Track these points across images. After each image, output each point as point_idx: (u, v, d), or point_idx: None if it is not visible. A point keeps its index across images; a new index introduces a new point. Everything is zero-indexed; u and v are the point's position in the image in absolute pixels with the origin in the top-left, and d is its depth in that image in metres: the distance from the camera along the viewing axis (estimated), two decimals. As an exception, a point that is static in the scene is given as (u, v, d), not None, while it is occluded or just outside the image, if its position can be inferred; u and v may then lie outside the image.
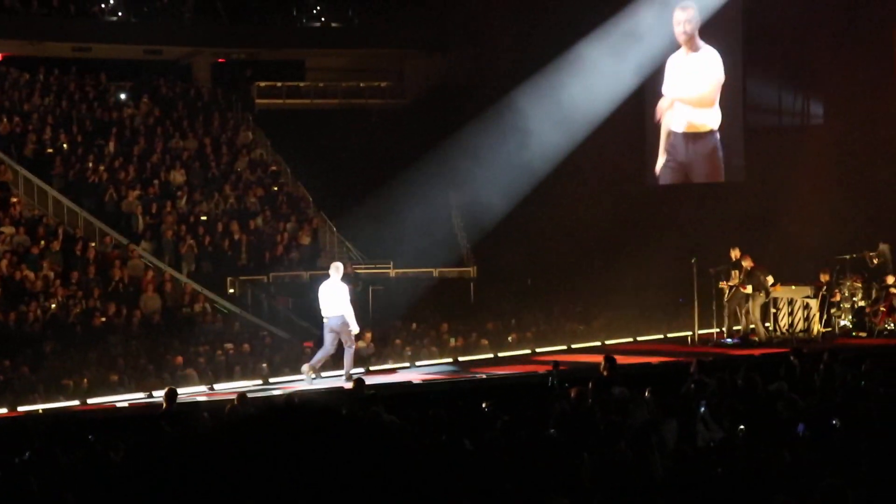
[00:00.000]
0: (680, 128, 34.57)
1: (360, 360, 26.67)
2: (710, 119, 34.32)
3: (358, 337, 26.89)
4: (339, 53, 42.89)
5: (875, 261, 27.33)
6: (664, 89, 34.56)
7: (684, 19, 33.86)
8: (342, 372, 22.30)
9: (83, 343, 26.60)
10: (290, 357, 26.96)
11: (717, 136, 34.18)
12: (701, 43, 33.88)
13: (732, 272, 26.02)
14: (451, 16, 39.75)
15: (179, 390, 18.88)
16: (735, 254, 26.05)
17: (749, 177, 34.53)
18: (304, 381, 22.10)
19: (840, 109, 33.54)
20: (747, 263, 25.78)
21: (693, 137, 34.51)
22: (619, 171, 35.35)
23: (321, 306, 22.37)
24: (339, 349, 22.46)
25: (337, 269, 22.53)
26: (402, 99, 42.65)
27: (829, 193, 31.61)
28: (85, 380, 24.15)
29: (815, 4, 33.13)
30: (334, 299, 22.15)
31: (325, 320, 22.32)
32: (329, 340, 22.22)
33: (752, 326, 26.06)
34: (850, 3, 32.84)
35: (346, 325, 22.03)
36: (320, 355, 22.33)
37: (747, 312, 25.94)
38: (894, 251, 27.77)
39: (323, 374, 22.68)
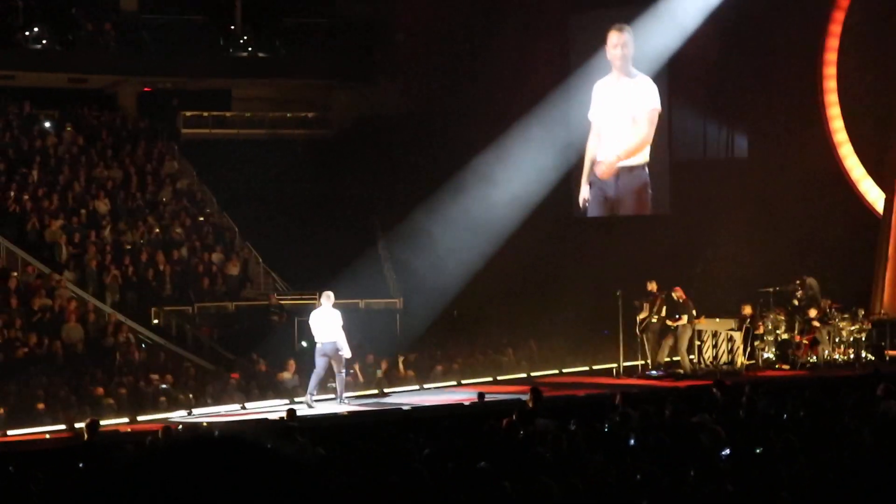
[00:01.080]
0: (608, 158, 34.41)
1: (284, 390, 26.57)
2: (641, 153, 34.14)
3: (282, 367, 26.90)
4: (265, 83, 42.79)
5: (799, 293, 27.60)
6: (591, 115, 34.25)
7: (620, 42, 33.28)
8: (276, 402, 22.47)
9: (3, 374, 26.27)
10: (216, 388, 26.78)
11: (647, 170, 34.09)
12: (635, 70, 33.64)
13: (645, 304, 26.29)
14: (379, 48, 39.87)
15: (102, 421, 18.70)
16: (651, 286, 26.34)
17: (674, 209, 34.73)
18: (305, 405, 22.71)
19: (764, 143, 33.91)
20: (678, 295, 26.02)
21: (623, 171, 34.34)
22: (547, 202, 35.35)
23: (314, 332, 23.34)
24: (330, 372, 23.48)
25: (328, 297, 23.52)
26: (328, 129, 42.62)
27: (753, 226, 31.92)
28: (2, 410, 23.81)
29: (737, 39, 33.51)
30: (328, 325, 23.14)
31: (318, 345, 23.25)
32: (320, 365, 23.16)
33: (677, 358, 26.27)
34: (771, 43, 33.09)
35: (338, 350, 23.03)
36: (314, 381, 23.27)
37: (672, 344, 26.18)
38: (821, 285, 28.14)
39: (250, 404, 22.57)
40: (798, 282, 27.99)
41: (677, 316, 25.94)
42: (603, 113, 34.27)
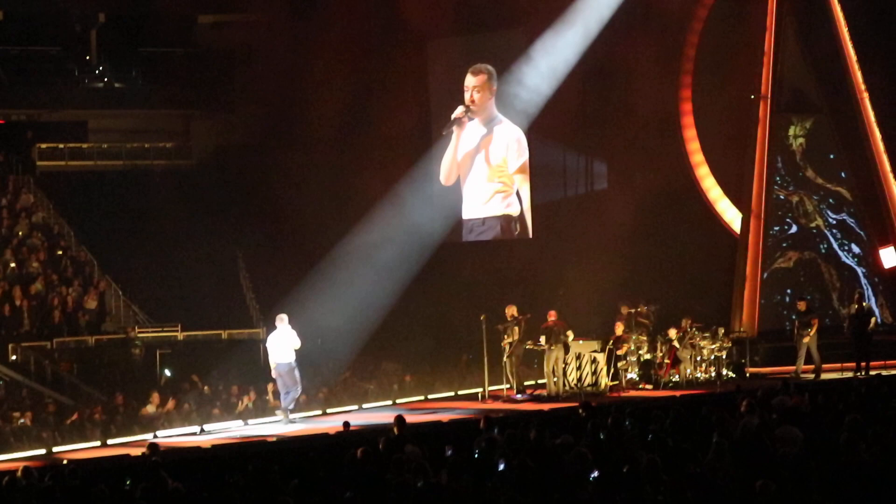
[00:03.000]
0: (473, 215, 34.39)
1: (148, 422, 26.22)
2: (507, 201, 33.87)
3: (146, 401, 26.60)
4: (122, 114, 42.23)
5: (641, 320, 27.87)
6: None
7: (473, 85, 32.99)
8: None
9: None
10: (75, 425, 26.34)
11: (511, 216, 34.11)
12: (498, 115, 33.40)
13: (513, 328, 26.44)
14: (236, 76, 39.61)
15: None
16: (511, 311, 26.53)
17: (536, 235, 34.80)
18: (281, 422, 24.35)
19: (624, 170, 34.25)
20: (551, 319, 26.30)
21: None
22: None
23: (270, 354, 24.74)
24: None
25: (282, 319, 24.79)
26: (188, 160, 42.20)
27: (612, 251, 32.17)
28: None
29: (598, 71, 33.81)
30: (283, 346, 24.54)
31: (273, 366, 24.66)
32: (280, 384, 24.73)
33: (542, 381, 26.44)
34: (630, 71, 33.29)
35: (292, 370, 24.48)
36: (284, 398, 24.75)
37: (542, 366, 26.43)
38: (682, 303, 28.57)
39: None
40: (642, 307, 28.42)
41: (544, 341, 26.18)
42: (470, 160, 33.89)
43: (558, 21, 33.54)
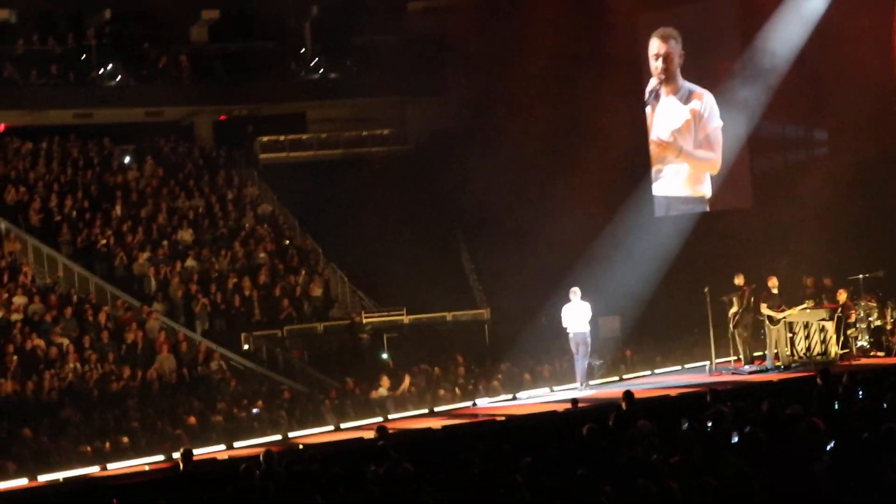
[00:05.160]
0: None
1: (379, 407, 26.67)
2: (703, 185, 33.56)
3: (376, 385, 27.20)
4: (339, 104, 42.96)
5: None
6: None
7: (664, 52, 32.63)
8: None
9: (101, 408, 26.53)
10: (308, 410, 26.92)
11: (707, 206, 33.66)
12: (685, 83, 32.91)
13: (734, 299, 26.06)
14: (447, 60, 39.81)
15: (200, 450, 18.81)
16: (739, 280, 26.08)
17: (756, 204, 34.07)
18: (581, 388, 25.68)
19: (841, 136, 33.32)
20: (772, 284, 25.83)
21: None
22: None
23: (567, 324, 25.87)
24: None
25: (575, 292, 25.90)
26: (404, 145, 42.71)
27: (835, 216, 31.41)
28: (107, 444, 24.01)
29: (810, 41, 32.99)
30: (579, 317, 25.75)
31: (570, 335, 25.85)
32: (576, 351, 25.87)
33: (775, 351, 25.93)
34: (848, 48, 32.32)
35: (587, 338, 25.72)
36: (578, 368, 25.99)
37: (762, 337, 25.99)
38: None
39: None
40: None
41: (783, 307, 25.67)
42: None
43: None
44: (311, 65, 42.45)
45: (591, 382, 26.35)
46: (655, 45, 32.76)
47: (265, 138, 41.75)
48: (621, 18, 34.06)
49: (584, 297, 25.92)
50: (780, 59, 32.46)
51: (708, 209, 33.50)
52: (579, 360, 25.75)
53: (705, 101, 32.53)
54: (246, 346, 32.61)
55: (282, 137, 42.09)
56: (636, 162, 34.34)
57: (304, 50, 42.65)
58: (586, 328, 25.64)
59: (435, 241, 37.20)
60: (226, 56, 41.94)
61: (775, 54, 32.42)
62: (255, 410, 26.75)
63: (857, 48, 31.33)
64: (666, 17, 33.54)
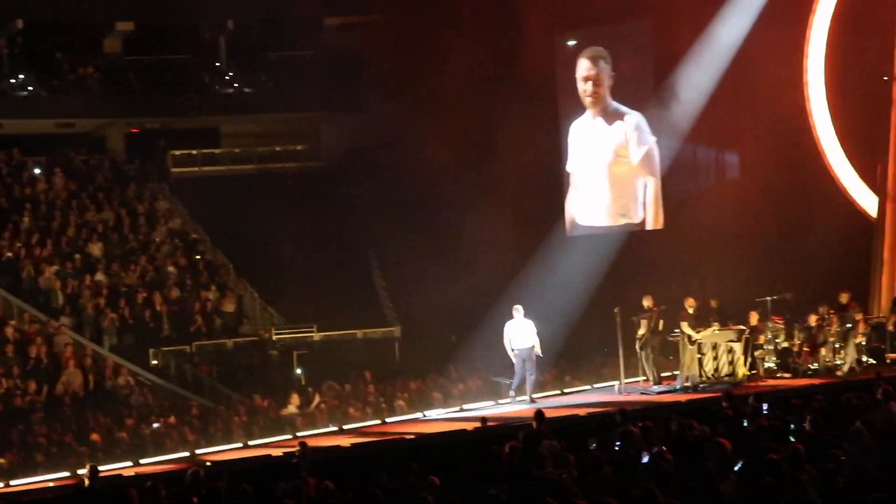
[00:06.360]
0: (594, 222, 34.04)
1: (288, 425, 26.55)
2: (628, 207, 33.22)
3: (285, 402, 27.03)
4: (253, 119, 42.75)
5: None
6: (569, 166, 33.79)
7: (592, 75, 33.01)
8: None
9: (5, 423, 26.18)
10: (217, 427, 26.76)
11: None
12: (612, 102, 33.00)
13: (642, 321, 26.24)
14: (363, 77, 39.80)
15: (106, 466, 18.60)
16: (648, 302, 26.26)
17: (669, 226, 34.25)
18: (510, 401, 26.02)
19: (755, 162, 33.65)
20: (689, 304, 26.00)
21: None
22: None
23: (512, 341, 25.83)
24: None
25: (518, 310, 25.99)
26: (318, 161, 42.57)
27: (747, 241, 31.78)
28: (4, 461, 23.68)
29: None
30: (523, 333, 25.84)
31: (514, 351, 25.84)
32: (519, 366, 25.81)
33: (677, 372, 26.19)
34: (756, 70, 32.67)
35: (532, 353, 25.81)
36: (515, 380, 26.05)
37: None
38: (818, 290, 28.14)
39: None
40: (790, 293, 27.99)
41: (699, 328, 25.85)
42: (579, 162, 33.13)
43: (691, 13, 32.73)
44: (226, 79, 42.26)
45: (500, 402, 26.42)
46: (585, 67, 32.48)
47: (178, 152, 41.42)
48: (536, 37, 34.20)
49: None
50: (695, 85, 32.76)
51: (620, 230, 33.64)
52: (528, 375, 25.82)
53: (634, 121, 32.28)
54: (154, 362, 32.34)
55: (195, 152, 41.79)
56: (551, 182, 34.49)
57: (218, 64, 42.44)
58: (530, 343, 25.75)
59: (346, 259, 37.14)
60: (139, 68, 41.60)
61: (690, 79, 32.73)
62: (155, 425, 26.54)
63: (767, 73, 31.77)
64: (581, 36, 33.70)
